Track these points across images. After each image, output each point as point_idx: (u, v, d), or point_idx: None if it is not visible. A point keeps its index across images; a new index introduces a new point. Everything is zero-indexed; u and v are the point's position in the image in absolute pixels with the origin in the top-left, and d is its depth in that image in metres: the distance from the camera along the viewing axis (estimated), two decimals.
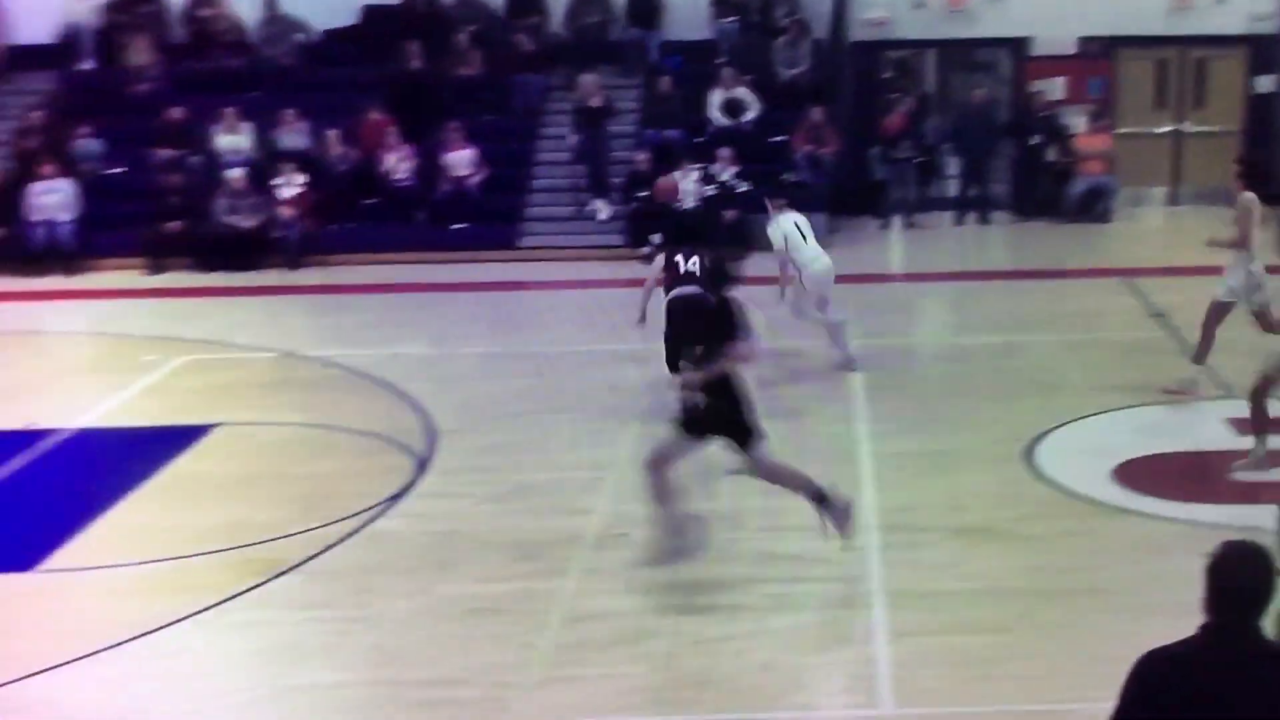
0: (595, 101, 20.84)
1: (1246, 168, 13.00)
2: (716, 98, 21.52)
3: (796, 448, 11.63)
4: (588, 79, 21.08)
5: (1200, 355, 12.71)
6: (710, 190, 19.91)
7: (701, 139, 21.10)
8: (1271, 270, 12.70)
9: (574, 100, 21.20)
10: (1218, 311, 12.54)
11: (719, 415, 9.15)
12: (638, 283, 17.95)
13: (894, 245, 21.29)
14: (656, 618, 8.61)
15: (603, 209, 20.35)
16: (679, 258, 12.25)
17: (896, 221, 22.08)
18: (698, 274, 11.76)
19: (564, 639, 8.37)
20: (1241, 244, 12.31)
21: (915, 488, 10.82)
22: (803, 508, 10.33)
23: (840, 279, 18.13)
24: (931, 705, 7.59)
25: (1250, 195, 12.39)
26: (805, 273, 13.73)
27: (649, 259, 15.73)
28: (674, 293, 12.05)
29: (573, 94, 21.57)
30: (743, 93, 21.54)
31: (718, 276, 9.81)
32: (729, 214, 19.79)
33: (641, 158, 20.36)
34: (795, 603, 8.84)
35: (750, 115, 21.53)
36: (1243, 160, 13.79)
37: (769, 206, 14.02)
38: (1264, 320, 12.47)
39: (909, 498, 10.59)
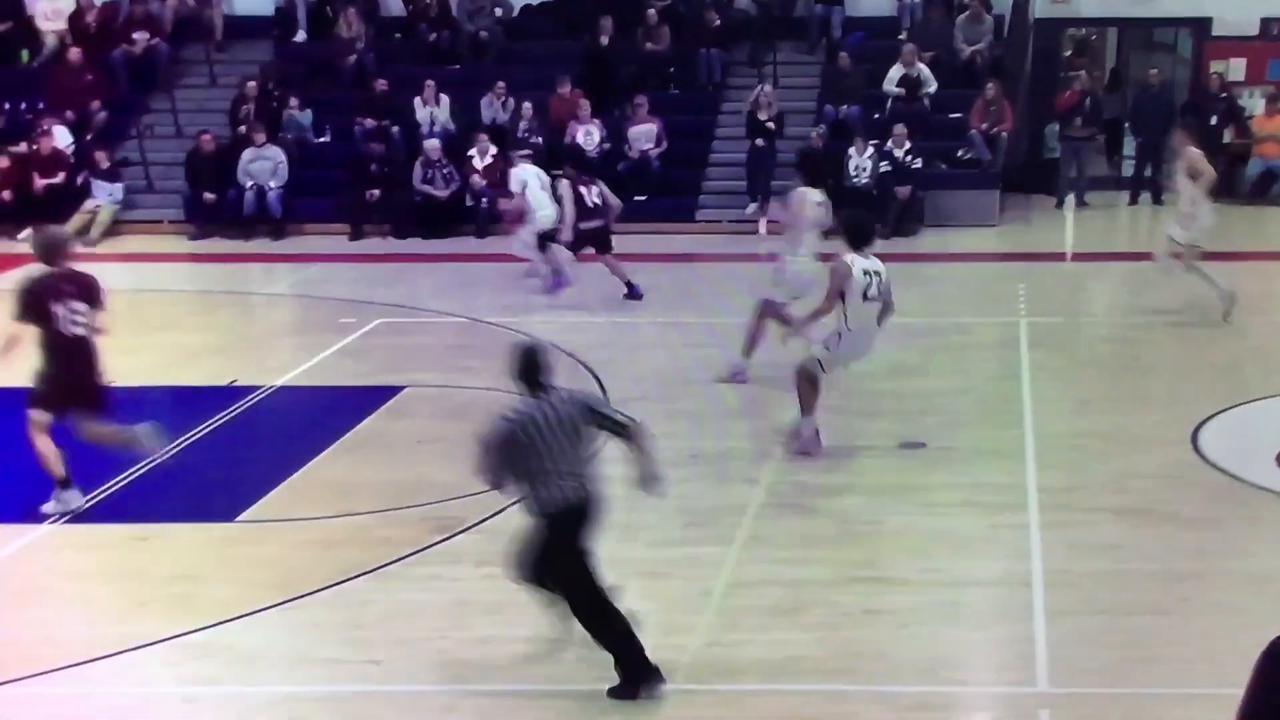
0: (764, 115, 20.42)
1: None
2: (895, 74, 21.17)
3: (961, 421, 11.48)
4: (766, 91, 20.71)
5: None
6: (885, 167, 19.63)
7: (879, 115, 20.79)
8: None
9: (748, 108, 20.81)
10: None
11: None
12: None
13: (1066, 224, 20.77)
14: (820, 589, 8.54)
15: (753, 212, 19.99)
16: None
17: (1070, 200, 21.53)
18: None
19: (730, 605, 8.35)
20: None
21: (1080, 467, 10.56)
22: (961, 484, 10.20)
23: (1011, 257, 17.86)
24: (1088, 685, 7.42)
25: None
26: (533, 216, 16.24)
27: None
28: None
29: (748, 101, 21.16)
30: (921, 69, 21.17)
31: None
32: (903, 190, 19.52)
33: (816, 133, 20.13)
34: (955, 579, 8.70)
35: (927, 91, 21.13)
36: None
37: (513, 159, 17.54)
38: None
39: (1073, 477, 10.34)
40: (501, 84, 21.20)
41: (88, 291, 9.80)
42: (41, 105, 21.47)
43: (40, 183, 20.03)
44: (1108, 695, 7.35)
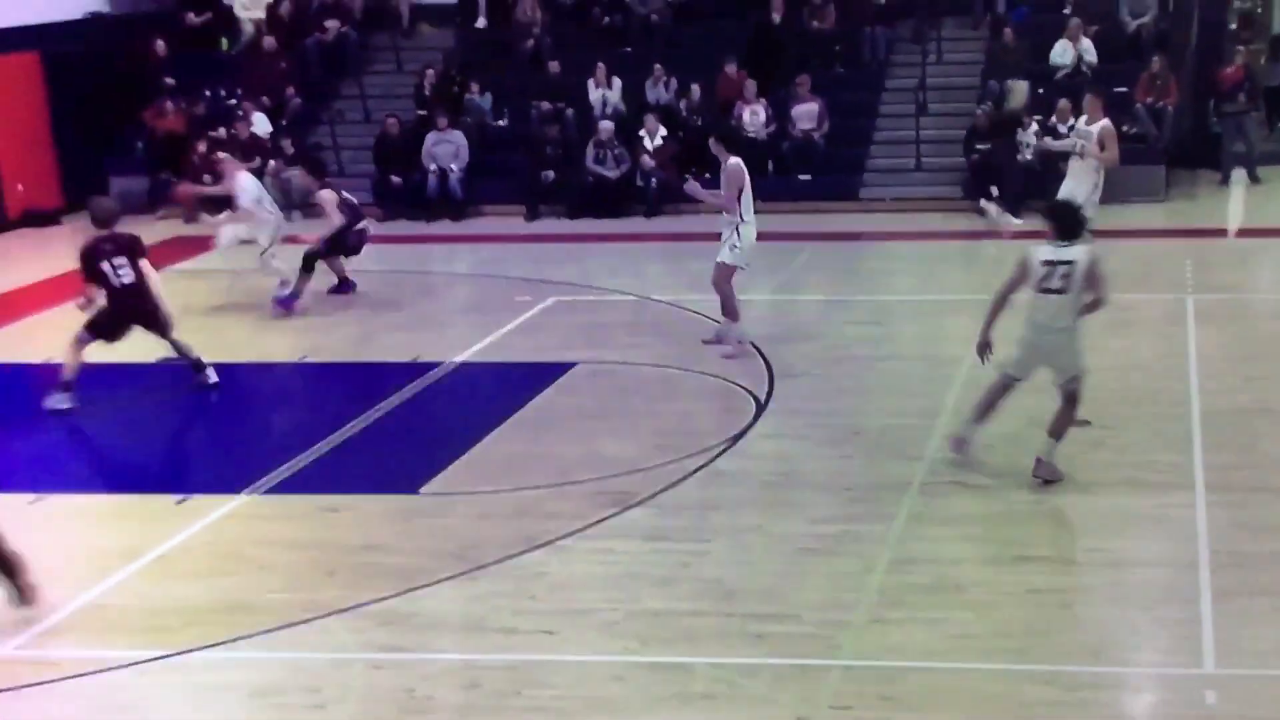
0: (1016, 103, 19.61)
1: None
2: (1061, 48, 20.57)
3: (1126, 399, 11.13)
4: (1020, 85, 20.05)
5: None
6: (1049, 143, 19.05)
7: (1042, 90, 20.22)
8: None
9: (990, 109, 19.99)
10: None
11: None
12: (974, 235, 17.54)
13: (1231, 200, 20.01)
14: (982, 567, 8.35)
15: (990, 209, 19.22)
16: None
17: (1237, 175, 20.72)
18: None
19: (891, 582, 8.20)
20: None
21: (1248, 446, 10.17)
22: (1125, 463, 9.89)
23: (1178, 233, 17.29)
24: (1254, 667, 7.14)
25: None
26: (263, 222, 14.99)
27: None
28: None
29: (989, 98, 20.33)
30: (1085, 44, 20.53)
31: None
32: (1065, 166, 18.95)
33: (981, 110, 19.66)
34: (1119, 559, 8.44)
35: (1090, 64, 20.48)
36: None
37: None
38: None
39: (1241, 456, 9.96)
40: (659, 66, 21.08)
41: (128, 247, 11.69)
42: (239, 92, 21.96)
43: None
44: (1273, 677, 7.07)
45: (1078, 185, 14.44)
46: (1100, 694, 7.04)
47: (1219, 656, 7.23)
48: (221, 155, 16.28)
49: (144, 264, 11.75)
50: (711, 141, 12.80)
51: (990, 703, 6.87)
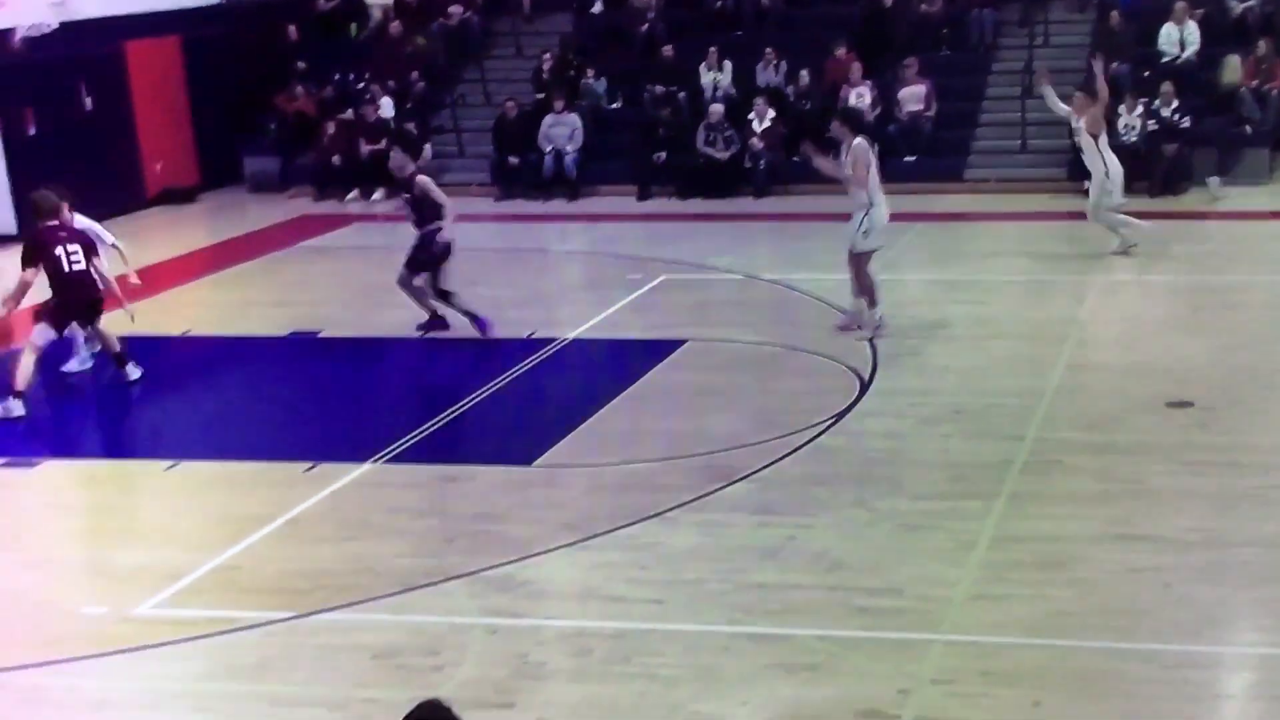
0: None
1: None
2: (1167, 32, 20.07)
3: (1229, 381, 10.87)
4: (1232, 60, 19.57)
5: None
6: (1153, 125, 18.66)
7: (1148, 73, 19.76)
8: None
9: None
10: None
11: None
12: (1078, 215, 17.19)
13: None
14: (1083, 544, 8.20)
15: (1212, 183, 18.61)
16: None
17: None
18: None
19: (993, 559, 8.09)
20: None
21: None
22: (1227, 444, 9.68)
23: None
24: None
25: None
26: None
27: None
28: None
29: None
30: (1190, 27, 20.01)
31: None
32: (1170, 149, 18.53)
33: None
34: (1220, 539, 8.24)
35: (1192, 49, 19.96)
36: None
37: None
38: None
39: None
40: (770, 50, 20.91)
41: (80, 239, 11.61)
42: (367, 76, 22.17)
43: (365, 149, 20.71)
44: None
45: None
46: (1200, 673, 6.90)
47: None
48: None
49: (97, 261, 11.67)
50: (835, 123, 12.64)
51: (1090, 680, 6.76)
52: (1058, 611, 7.42)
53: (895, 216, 12.70)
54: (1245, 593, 7.65)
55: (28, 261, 11.48)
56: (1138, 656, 6.97)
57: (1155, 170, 18.17)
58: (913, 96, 20.06)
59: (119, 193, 19.61)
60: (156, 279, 14.86)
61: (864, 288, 12.48)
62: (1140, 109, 18.63)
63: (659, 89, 20.93)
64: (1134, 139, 18.40)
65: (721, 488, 9.22)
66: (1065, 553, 8.10)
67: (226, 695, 7.06)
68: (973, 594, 7.67)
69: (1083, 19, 21.53)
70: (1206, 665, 6.99)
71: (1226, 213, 17.22)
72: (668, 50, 21.43)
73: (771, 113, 19.97)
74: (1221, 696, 6.81)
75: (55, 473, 10.42)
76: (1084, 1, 21.71)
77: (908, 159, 19.42)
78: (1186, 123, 18.67)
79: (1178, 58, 19.84)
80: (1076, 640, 7.14)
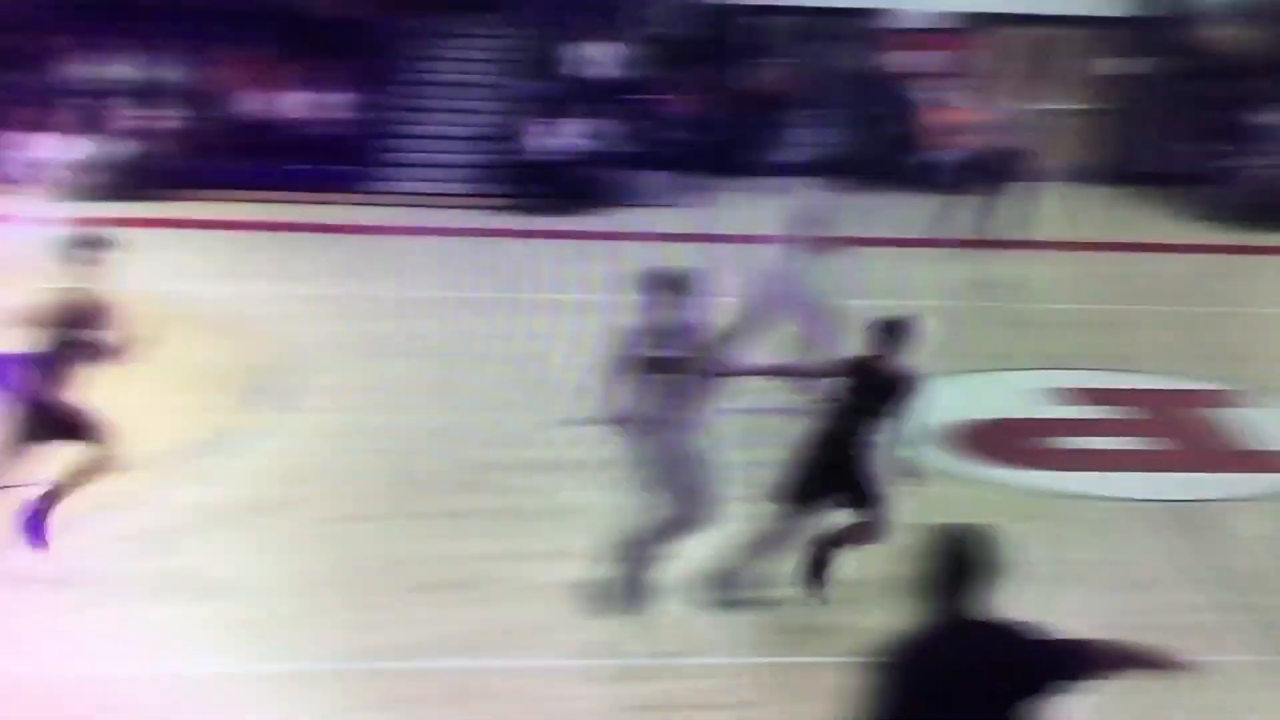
0: None
1: None
2: (589, 50, 19.46)
3: None
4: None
5: None
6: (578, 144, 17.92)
7: (568, 92, 18.96)
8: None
9: None
10: None
11: None
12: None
13: None
14: None
15: None
16: None
17: None
18: None
19: None
20: None
21: None
22: None
23: None
24: None
25: None
26: None
27: None
28: None
29: None
30: (610, 47, 19.51)
31: None
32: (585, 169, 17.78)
33: None
34: None
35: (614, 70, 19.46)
36: None
37: None
38: None
39: None
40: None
41: None
42: None
43: None
44: None
45: None
46: None
47: None
48: None
49: None
50: None
51: None
52: None
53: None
54: None
55: None
56: None
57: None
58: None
59: None
60: None
61: None
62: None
63: None
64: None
65: None
66: None
67: None
68: None
69: (496, 34, 20.48)
70: None
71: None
72: None
73: None
74: None
75: None
76: (503, 17, 20.68)
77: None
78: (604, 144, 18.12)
79: (601, 77, 19.27)
80: None
